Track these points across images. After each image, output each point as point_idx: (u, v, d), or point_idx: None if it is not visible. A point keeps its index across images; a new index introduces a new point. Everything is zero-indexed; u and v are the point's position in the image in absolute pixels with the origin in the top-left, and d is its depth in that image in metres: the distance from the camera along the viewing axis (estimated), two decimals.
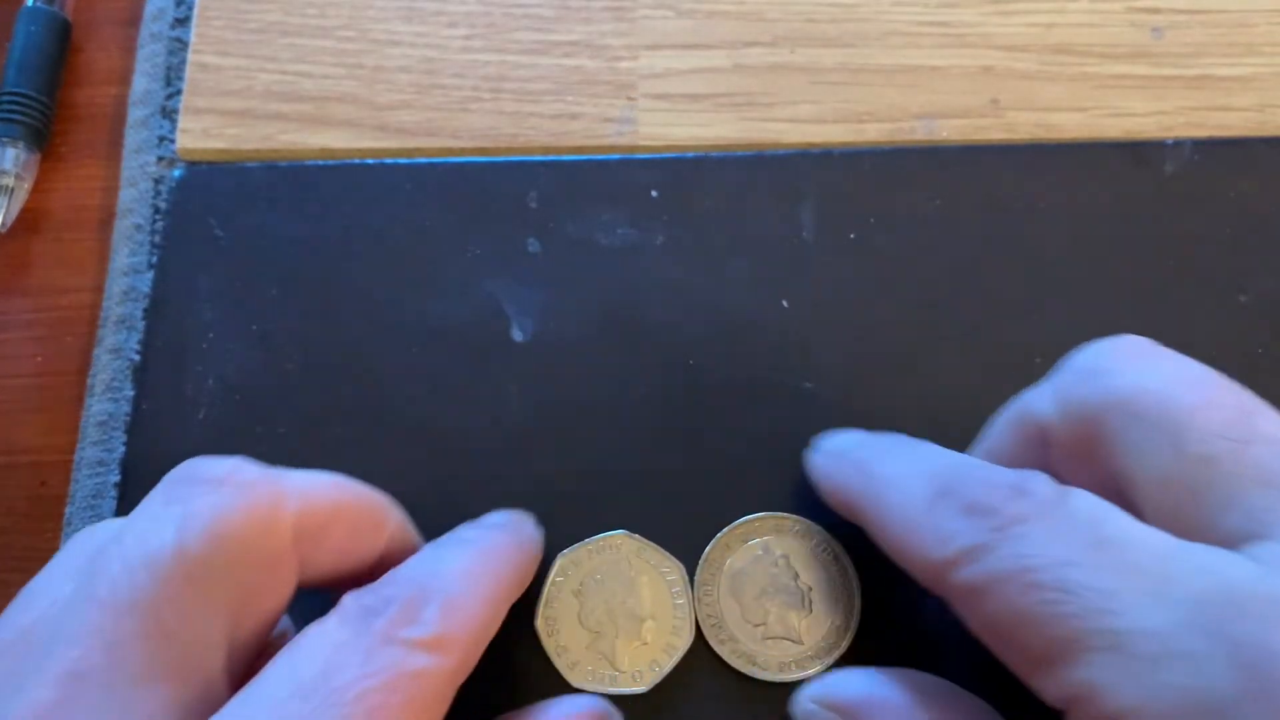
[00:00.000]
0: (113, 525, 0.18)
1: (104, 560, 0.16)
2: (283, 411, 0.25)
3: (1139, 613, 0.15)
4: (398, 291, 0.26)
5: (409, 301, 0.26)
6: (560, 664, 0.22)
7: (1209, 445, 0.17)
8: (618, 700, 0.22)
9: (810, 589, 0.23)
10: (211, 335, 0.26)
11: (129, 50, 0.30)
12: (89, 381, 0.26)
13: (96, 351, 0.27)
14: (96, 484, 0.25)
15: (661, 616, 0.23)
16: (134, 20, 0.30)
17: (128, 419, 0.26)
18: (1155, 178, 0.27)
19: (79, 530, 0.19)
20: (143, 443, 0.25)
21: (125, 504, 0.24)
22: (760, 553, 0.23)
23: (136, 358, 0.26)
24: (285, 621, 0.20)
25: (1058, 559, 0.16)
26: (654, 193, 0.27)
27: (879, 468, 0.20)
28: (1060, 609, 0.16)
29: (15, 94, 0.28)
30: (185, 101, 0.29)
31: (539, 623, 0.23)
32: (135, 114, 0.29)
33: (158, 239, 0.27)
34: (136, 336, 0.26)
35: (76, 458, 0.26)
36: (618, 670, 0.22)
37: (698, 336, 0.26)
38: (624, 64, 0.29)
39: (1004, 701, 0.19)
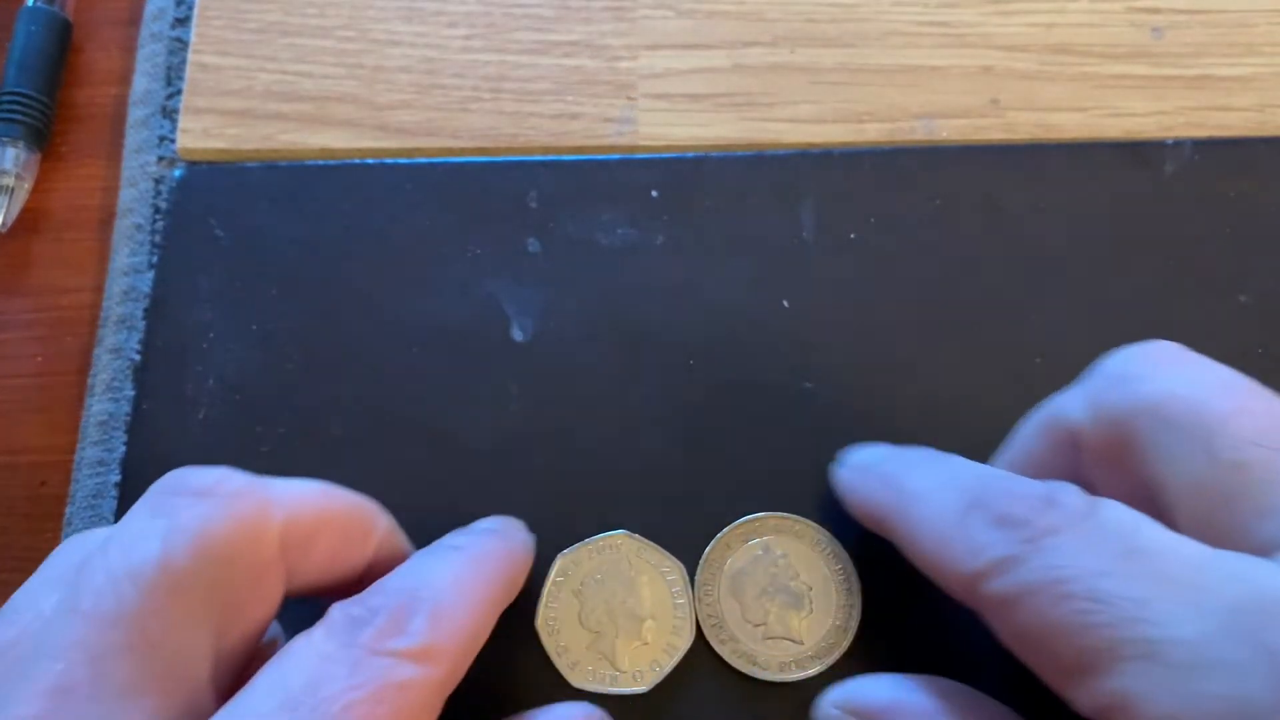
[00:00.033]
0: (97, 536, 0.18)
1: (88, 572, 0.16)
2: (283, 411, 0.25)
3: (1173, 621, 0.15)
4: (398, 291, 0.26)
5: (409, 301, 0.26)
6: (561, 664, 0.22)
7: (1241, 452, 0.17)
8: (618, 700, 0.22)
9: (810, 589, 0.23)
10: (211, 335, 0.26)
11: (129, 50, 0.30)
12: (89, 381, 0.26)
13: (97, 351, 0.27)
14: (97, 484, 0.25)
15: (662, 616, 0.23)
16: (134, 20, 0.30)
17: (128, 419, 0.26)
18: (1155, 178, 0.27)
19: (79, 530, 0.19)
20: (143, 442, 0.25)
21: (125, 504, 0.24)
22: (760, 552, 0.23)
23: (137, 358, 0.26)
24: (275, 628, 0.19)
25: (1089, 569, 0.16)
26: (654, 193, 0.27)
27: (908, 481, 0.20)
28: (1093, 619, 0.16)
29: (15, 94, 0.28)
30: (185, 101, 0.29)
31: (539, 623, 0.23)
32: (135, 114, 0.29)
33: (158, 239, 0.27)
34: (137, 336, 0.26)
35: (77, 457, 0.26)
36: (618, 670, 0.22)
37: (698, 336, 0.26)
38: (624, 64, 0.29)
39: (1003, 701, 0.19)
